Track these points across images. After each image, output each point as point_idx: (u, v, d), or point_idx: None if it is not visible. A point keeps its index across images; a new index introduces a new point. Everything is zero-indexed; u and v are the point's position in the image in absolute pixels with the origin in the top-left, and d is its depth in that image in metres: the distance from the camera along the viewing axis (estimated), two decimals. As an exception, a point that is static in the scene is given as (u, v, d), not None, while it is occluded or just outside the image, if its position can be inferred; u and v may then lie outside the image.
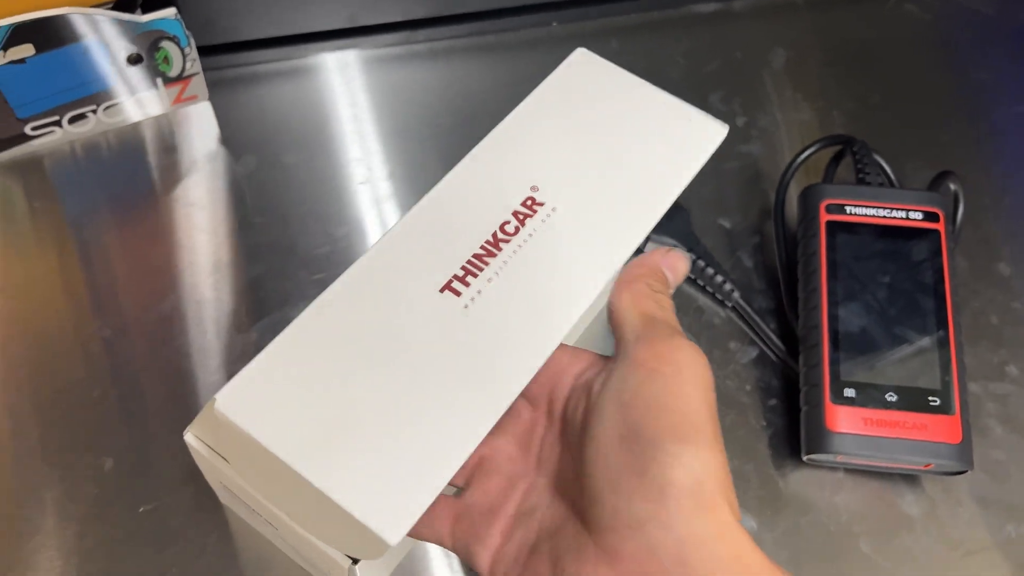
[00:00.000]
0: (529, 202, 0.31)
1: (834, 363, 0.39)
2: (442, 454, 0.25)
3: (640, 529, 0.24)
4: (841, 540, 0.39)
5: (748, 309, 0.44)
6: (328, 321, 0.27)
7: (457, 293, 0.28)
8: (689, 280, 0.45)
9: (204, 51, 0.48)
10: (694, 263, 0.44)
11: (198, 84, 0.48)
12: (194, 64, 0.47)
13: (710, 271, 0.44)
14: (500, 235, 0.30)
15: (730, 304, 0.44)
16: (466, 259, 0.29)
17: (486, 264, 0.29)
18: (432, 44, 0.54)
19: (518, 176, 0.31)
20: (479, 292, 0.28)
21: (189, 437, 0.30)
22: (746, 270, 0.46)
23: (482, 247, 0.29)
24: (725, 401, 0.42)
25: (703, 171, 0.50)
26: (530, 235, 0.30)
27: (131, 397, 0.40)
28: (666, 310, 0.29)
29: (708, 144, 0.35)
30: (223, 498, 0.36)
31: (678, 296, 0.45)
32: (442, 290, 0.28)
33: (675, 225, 0.45)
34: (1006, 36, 0.60)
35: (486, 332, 0.28)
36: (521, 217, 0.30)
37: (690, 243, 0.44)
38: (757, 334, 0.44)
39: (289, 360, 0.26)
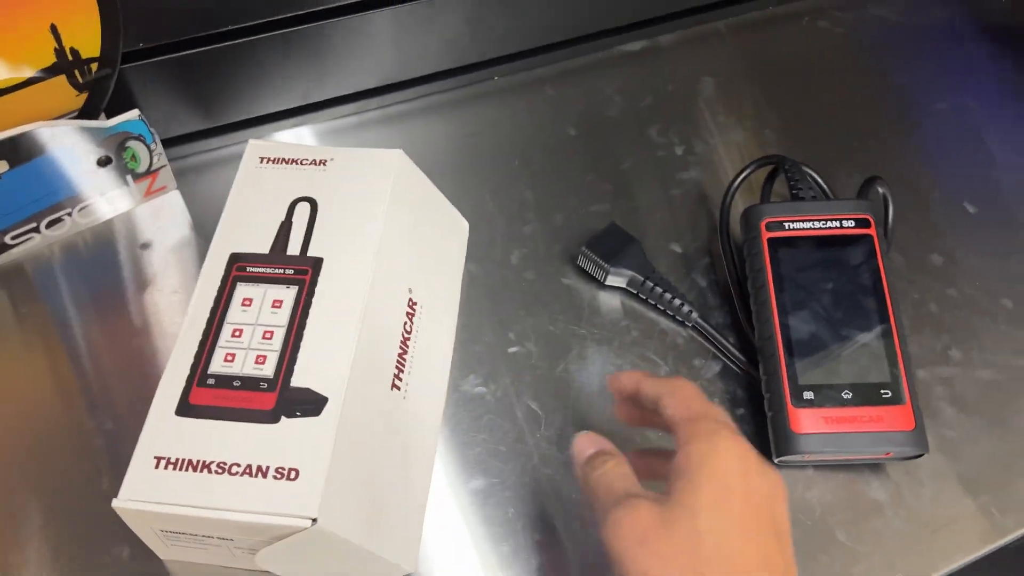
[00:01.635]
0: (411, 303, 0.41)
1: (791, 369, 0.42)
2: (421, 501, 0.40)
3: None
4: (819, 533, 0.42)
5: (707, 327, 0.47)
6: (346, 432, 0.34)
7: (398, 388, 0.39)
8: (650, 305, 0.48)
9: (169, 142, 0.51)
10: (652, 289, 0.47)
11: (166, 175, 0.50)
12: (160, 158, 0.49)
13: (668, 296, 0.47)
14: (405, 334, 0.40)
15: (690, 324, 0.47)
16: (395, 361, 0.39)
17: (404, 361, 0.39)
18: (385, 110, 0.57)
19: (402, 281, 0.41)
20: (407, 385, 0.39)
21: (120, 503, 0.33)
22: (701, 289, 0.49)
23: (400, 347, 0.39)
24: (697, 415, 0.45)
25: (651, 202, 0.54)
26: (418, 330, 0.41)
27: (137, 483, 0.42)
28: None
29: (463, 239, 0.49)
30: (163, 552, 0.38)
31: (642, 322, 0.48)
32: (392, 388, 0.38)
33: (630, 256, 0.48)
34: (915, 39, 0.64)
35: (416, 411, 0.40)
36: (411, 316, 0.40)
37: (646, 272, 0.47)
38: (718, 349, 0.47)
39: (334, 473, 0.33)
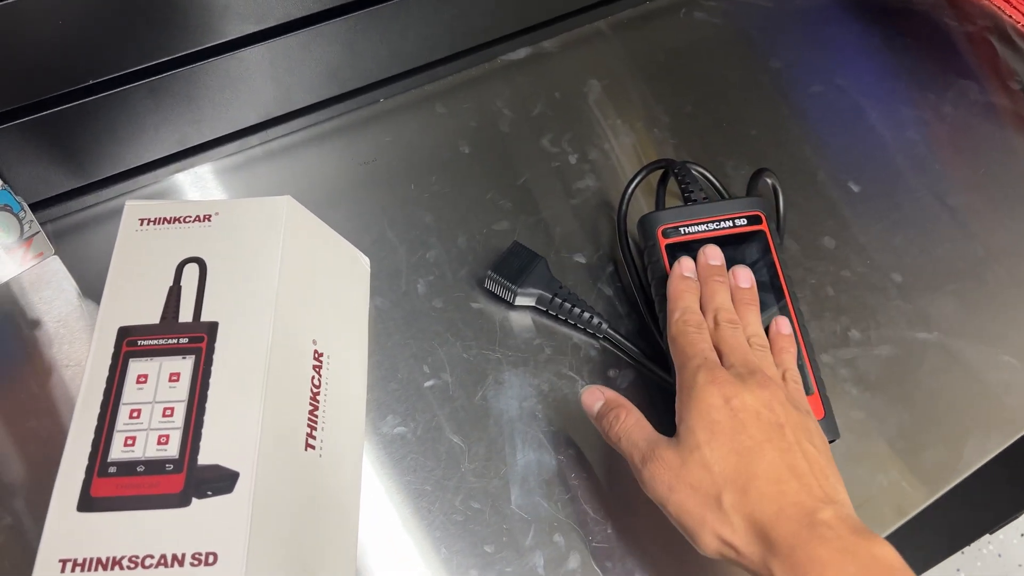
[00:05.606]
0: (317, 355, 0.40)
1: (702, 372, 0.43)
2: (350, 556, 0.39)
3: None
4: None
5: (618, 337, 0.47)
6: (262, 505, 0.33)
7: (313, 447, 0.38)
8: (560, 320, 0.48)
9: (43, 204, 0.48)
10: (560, 305, 0.47)
11: (41, 242, 0.47)
12: (32, 224, 0.46)
13: (577, 310, 0.47)
14: (314, 389, 0.39)
15: (601, 335, 0.48)
16: (307, 419, 0.38)
17: (316, 418, 0.38)
18: (269, 145, 0.55)
19: (305, 335, 0.39)
20: (322, 442, 0.38)
21: None
22: (608, 298, 0.50)
23: (310, 404, 0.38)
24: (617, 426, 0.45)
25: (551, 215, 0.53)
26: (327, 382, 0.40)
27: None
28: None
29: (365, 277, 0.48)
30: None
31: (555, 339, 0.48)
32: (305, 449, 0.37)
33: (536, 275, 0.48)
34: (788, 24, 0.66)
35: (334, 467, 0.39)
36: (318, 369, 0.39)
37: (553, 288, 0.48)
38: (630, 358, 0.47)
39: (254, 550, 0.32)
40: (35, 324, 0.47)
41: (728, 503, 0.35)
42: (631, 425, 0.39)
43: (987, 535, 1.25)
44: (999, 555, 1.30)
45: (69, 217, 0.51)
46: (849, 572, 0.32)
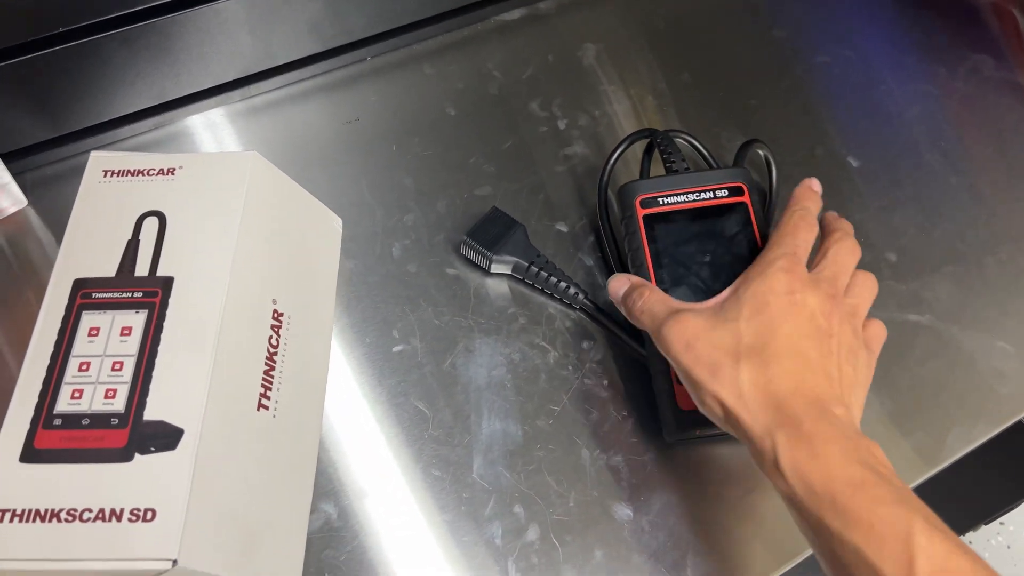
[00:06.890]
0: (277, 315, 0.39)
1: (674, 347, 0.42)
2: (302, 520, 0.38)
3: None
4: (713, 506, 0.42)
5: (594, 308, 0.46)
6: (206, 463, 0.33)
7: (266, 407, 0.37)
8: (537, 289, 0.47)
9: (18, 154, 0.48)
10: (537, 274, 0.46)
11: (13, 193, 0.47)
12: (2, 175, 0.46)
13: (553, 279, 0.46)
14: (271, 349, 0.38)
15: (577, 306, 0.47)
16: (261, 379, 0.37)
17: (271, 378, 0.37)
18: (249, 101, 0.54)
19: (264, 294, 0.38)
20: (277, 402, 0.37)
21: None
22: (588, 269, 0.48)
23: (266, 363, 0.37)
24: (587, 399, 0.44)
25: (535, 181, 0.52)
26: (286, 343, 0.39)
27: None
28: None
29: (336, 238, 0.47)
30: None
31: (530, 308, 0.47)
32: (258, 408, 0.36)
33: (513, 242, 0.46)
34: (798, -10, 0.63)
35: (290, 428, 0.38)
36: (277, 329, 0.38)
37: (530, 256, 0.46)
38: (607, 329, 0.46)
39: (195, 508, 0.32)
40: (6, 275, 0.46)
41: (745, 370, 0.35)
42: (654, 300, 0.39)
43: (984, 525, 1.23)
44: (1008, 546, 1.28)
45: (47, 168, 0.50)
46: (851, 455, 0.32)
